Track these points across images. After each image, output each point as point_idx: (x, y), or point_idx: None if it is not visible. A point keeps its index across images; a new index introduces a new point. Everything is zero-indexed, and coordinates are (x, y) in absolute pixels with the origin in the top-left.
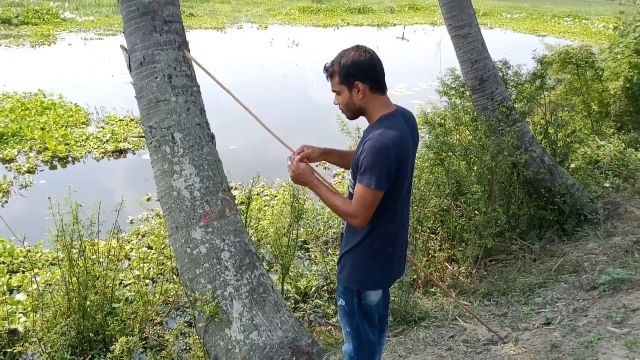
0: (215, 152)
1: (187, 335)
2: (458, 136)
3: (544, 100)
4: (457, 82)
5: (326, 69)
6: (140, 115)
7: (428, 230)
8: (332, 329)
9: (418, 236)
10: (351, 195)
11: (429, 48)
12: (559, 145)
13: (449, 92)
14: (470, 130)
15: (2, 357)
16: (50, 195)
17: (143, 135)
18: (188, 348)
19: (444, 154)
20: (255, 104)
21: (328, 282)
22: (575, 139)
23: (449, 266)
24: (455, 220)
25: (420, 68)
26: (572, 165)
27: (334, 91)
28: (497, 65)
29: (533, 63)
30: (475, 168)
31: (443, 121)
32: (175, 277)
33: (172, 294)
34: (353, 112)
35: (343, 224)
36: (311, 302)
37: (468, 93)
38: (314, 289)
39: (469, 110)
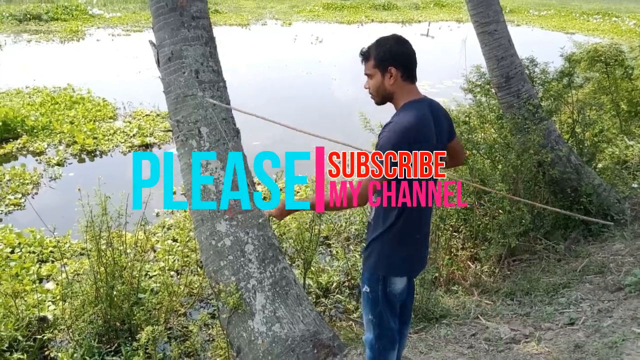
0: (240, 146)
1: (210, 326)
2: (482, 134)
3: (571, 99)
4: (482, 79)
5: (362, 53)
6: (168, 109)
7: (450, 228)
8: (353, 324)
9: (440, 234)
10: None
11: (454, 45)
12: (585, 145)
13: (474, 89)
14: (495, 128)
15: (31, 343)
16: (79, 187)
17: (170, 129)
18: (211, 339)
19: (467, 152)
20: (279, 100)
21: (349, 277)
22: (602, 139)
23: (471, 265)
24: (478, 219)
25: (444, 65)
26: (599, 165)
27: (366, 74)
28: (524, 62)
29: (560, 61)
30: (500, 166)
31: (467, 118)
32: (199, 269)
33: (196, 286)
34: (382, 97)
35: (370, 213)
36: (332, 297)
37: (493, 90)
38: (335, 284)
39: (494, 107)
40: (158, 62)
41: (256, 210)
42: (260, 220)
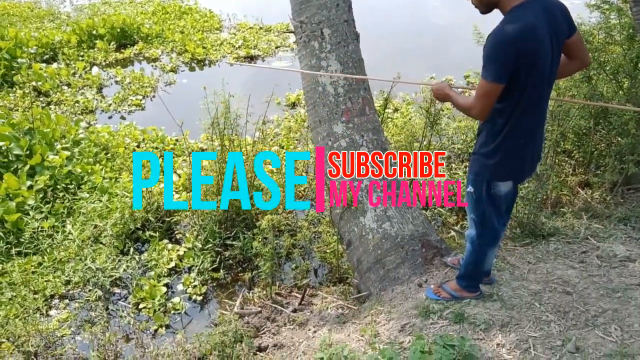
0: (359, 50)
1: (314, 225)
2: (606, 56)
3: None
4: None
5: None
6: (292, 10)
7: (562, 153)
8: (455, 235)
9: (553, 156)
10: None
11: None
12: None
13: (602, 5)
14: (623, 47)
15: (160, 224)
16: (204, 86)
17: (292, 30)
18: (316, 236)
19: (591, 71)
20: (377, 24)
21: (451, 194)
22: None
23: (580, 190)
24: (593, 145)
25: None
26: None
27: None
28: None
29: None
30: (623, 90)
31: (591, 37)
32: (304, 174)
33: (303, 188)
34: (486, 6)
35: (480, 123)
36: (433, 209)
37: (628, 6)
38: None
39: (625, 26)
40: None
41: (371, 115)
42: (375, 125)
